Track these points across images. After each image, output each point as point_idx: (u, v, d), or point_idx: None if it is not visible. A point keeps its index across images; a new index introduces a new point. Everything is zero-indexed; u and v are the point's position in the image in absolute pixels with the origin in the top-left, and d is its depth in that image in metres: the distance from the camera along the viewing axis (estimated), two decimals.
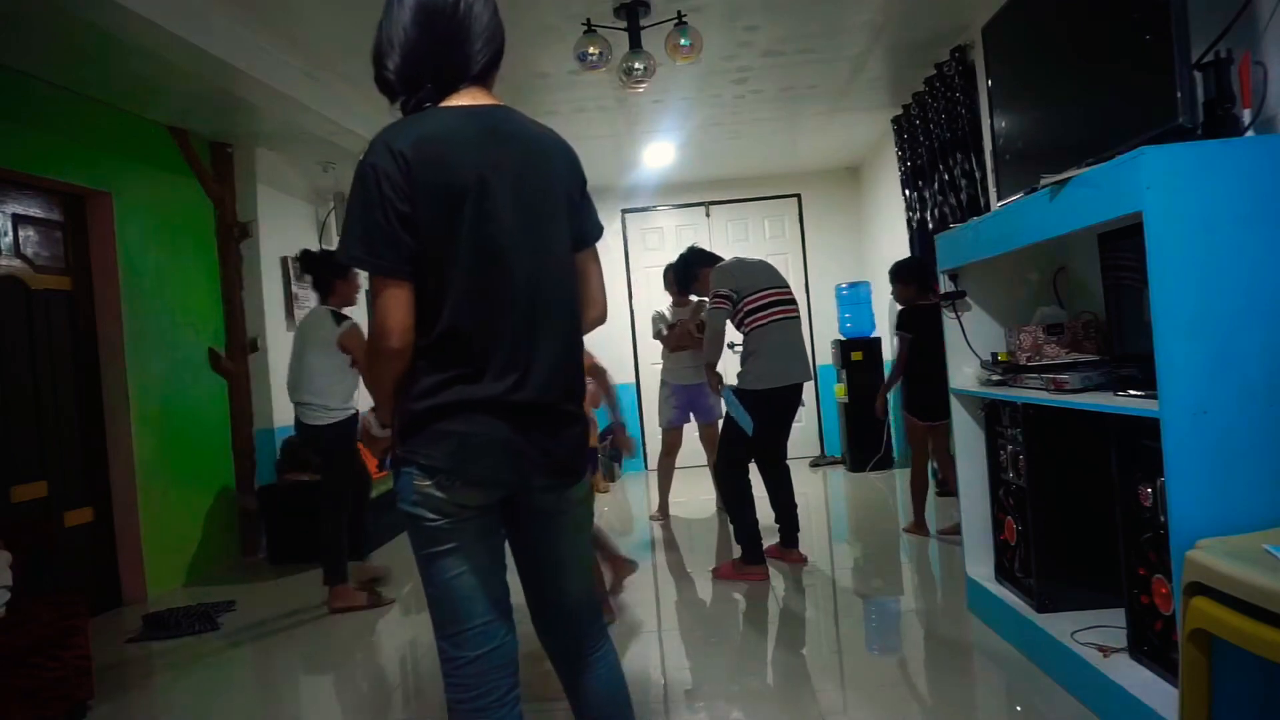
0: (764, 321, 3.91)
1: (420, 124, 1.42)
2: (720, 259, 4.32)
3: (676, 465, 5.42)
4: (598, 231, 1.63)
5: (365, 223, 1.37)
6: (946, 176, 4.68)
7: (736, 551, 4.05)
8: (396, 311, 1.38)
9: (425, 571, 1.52)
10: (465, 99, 1.48)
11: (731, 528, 4.10)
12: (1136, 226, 1.89)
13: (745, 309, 3.93)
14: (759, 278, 3.99)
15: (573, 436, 1.51)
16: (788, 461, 4.14)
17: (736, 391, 3.93)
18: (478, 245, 1.40)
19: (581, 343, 1.56)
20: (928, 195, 5.03)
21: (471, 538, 1.50)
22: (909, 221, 5.53)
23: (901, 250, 5.76)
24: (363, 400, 3.59)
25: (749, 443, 3.95)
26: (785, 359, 3.91)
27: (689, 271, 4.52)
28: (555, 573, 1.62)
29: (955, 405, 3.16)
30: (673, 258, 4.92)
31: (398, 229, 1.36)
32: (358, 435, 3.93)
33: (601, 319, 1.63)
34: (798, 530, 4.15)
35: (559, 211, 1.51)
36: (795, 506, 4.13)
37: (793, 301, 4.03)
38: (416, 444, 1.45)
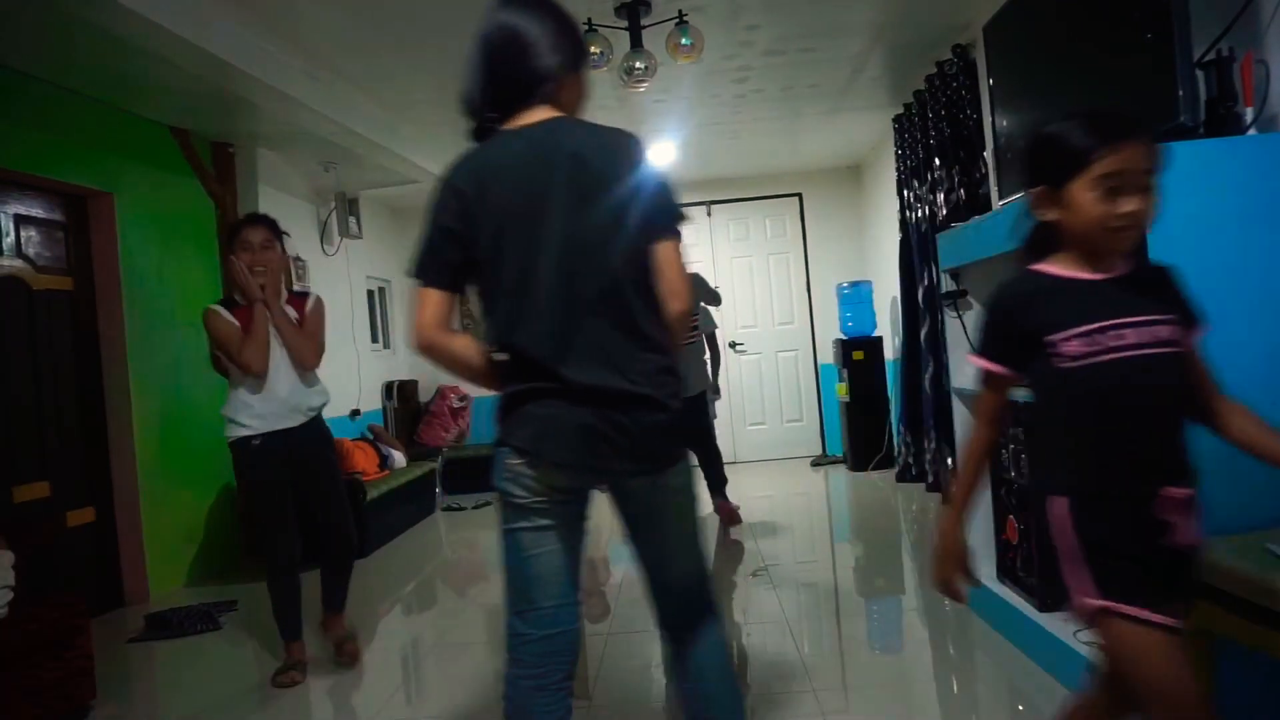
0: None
1: (476, 154, 1.64)
2: None
3: None
4: (666, 222, 1.60)
5: (420, 240, 1.61)
6: (948, 175, 4.68)
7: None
8: (421, 312, 1.58)
9: (506, 547, 1.62)
10: (527, 118, 1.62)
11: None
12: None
13: None
14: None
15: (652, 423, 1.56)
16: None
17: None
18: (524, 261, 1.55)
19: (652, 334, 1.58)
20: (928, 194, 5.02)
21: (556, 520, 1.59)
22: (910, 220, 5.53)
23: None
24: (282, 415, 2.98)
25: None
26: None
27: None
28: (660, 558, 1.69)
29: (956, 404, 3.16)
30: None
31: (441, 244, 1.58)
32: (263, 464, 2.95)
33: (685, 311, 1.62)
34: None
35: (610, 214, 1.56)
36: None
37: (696, 327, 4.79)
38: (509, 425, 1.58)
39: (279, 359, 2.99)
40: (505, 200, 1.56)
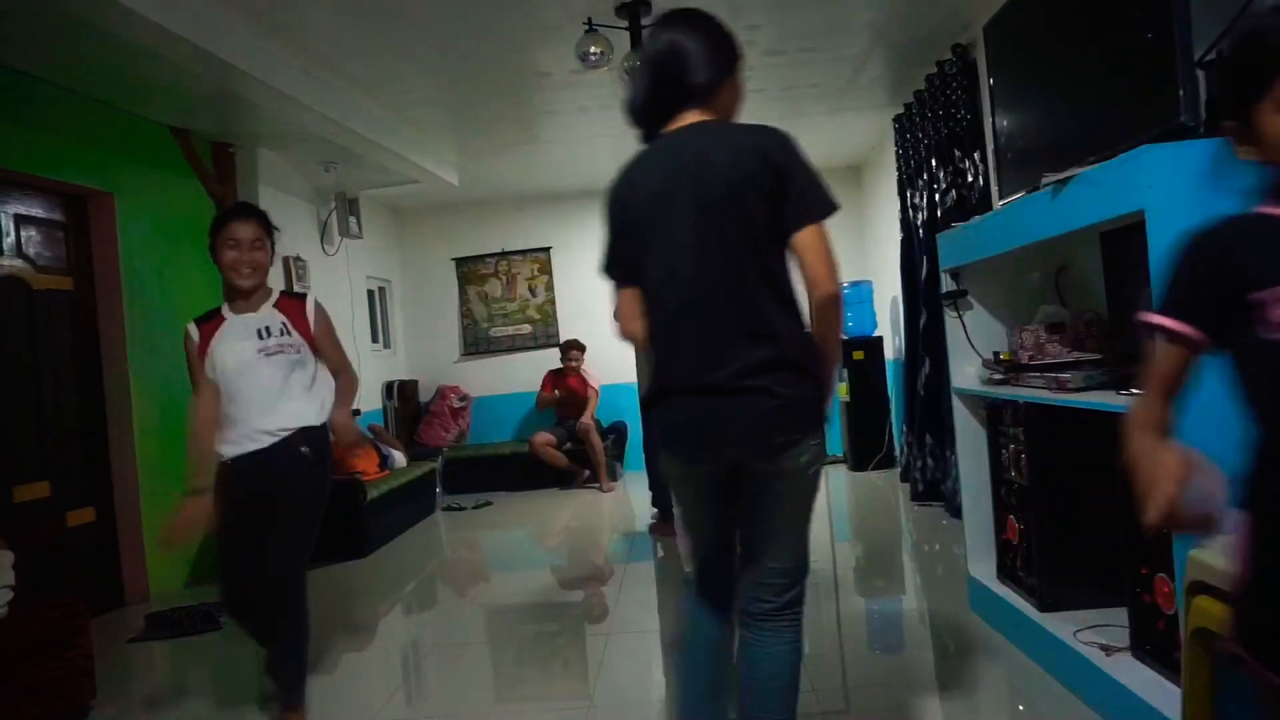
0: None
1: (634, 159, 1.80)
2: None
3: None
4: (802, 214, 1.65)
5: (603, 241, 1.84)
6: (948, 175, 4.68)
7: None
8: (620, 307, 1.82)
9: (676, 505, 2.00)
10: (680, 122, 1.76)
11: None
12: (1139, 225, 1.89)
13: None
14: None
15: (755, 412, 1.64)
16: None
17: None
18: (655, 261, 1.72)
19: (765, 327, 1.66)
20: (928, 194, 5.02)
21: (698, 494, 1.82)
22: (911, 220, 5.53)
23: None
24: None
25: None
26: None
27: None
28: (754, 538, 1.78)
29: (956, 404, 3.16)
30: None
31: (613, 244, 1.81)
32: (231, 487, 2.54)
33: (829, 298, 1.66)
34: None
35: (731, 211, 1.65)
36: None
37: None
38: (654, 418, 1.81)
39: (256, 374, 2.51)
40: (642, 203, 1.73)
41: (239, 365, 2.54)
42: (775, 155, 1.66)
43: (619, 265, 1.81)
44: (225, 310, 2.71)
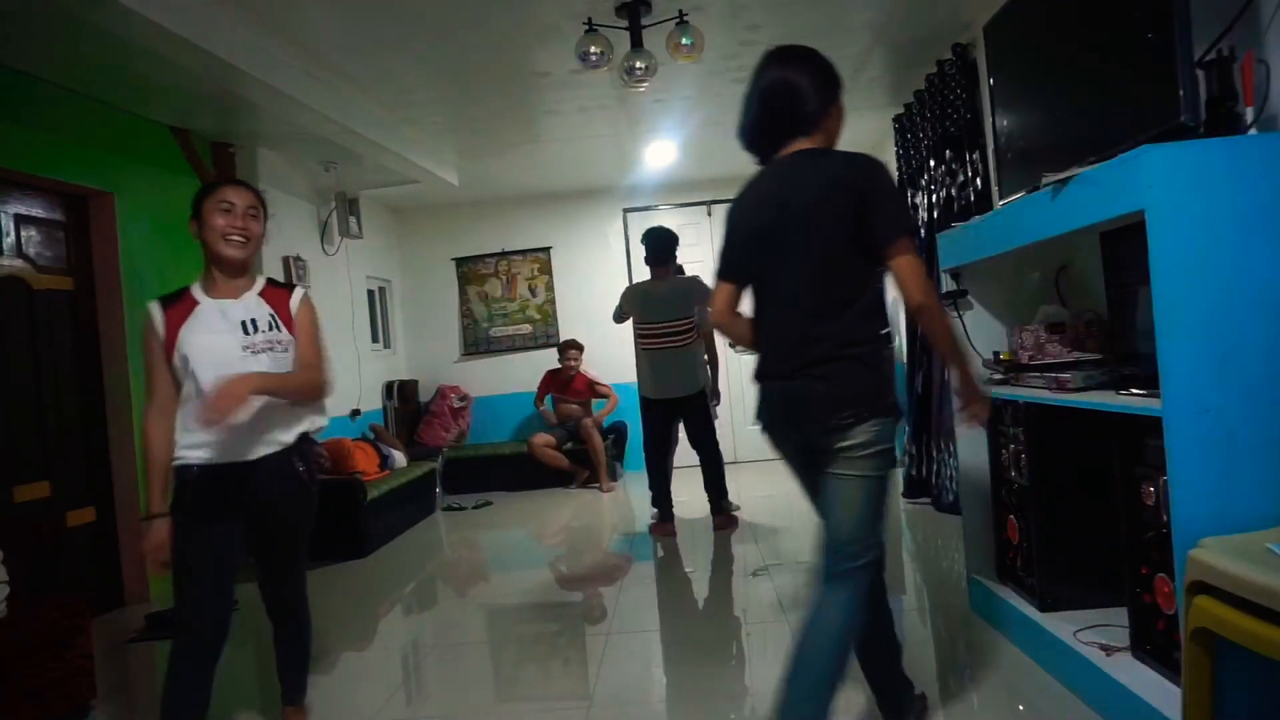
0: (640, 346, 4.94)
1: (748, 184, 2.14)
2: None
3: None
4: (884, 234, 1.89)
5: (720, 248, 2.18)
6: (948, 175, 4.68)
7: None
8: (714, 300, 2.15)
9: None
10: (790, 149, 2.04)
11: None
12: (1139, 225, 1.89)
13: (635, 330, 4.97)
14: (647, 312, 4.88)
15: (813, 397, 1.96)
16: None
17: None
18: (758, 269, 2.07)
19: (828, 329, 1.95)
20: (928, 194, 5.02)
21: (794, 465, 2.13)
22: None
23: None
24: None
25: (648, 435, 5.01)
26: (652, 379, 4.88)
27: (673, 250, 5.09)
28: (822, 507, 2.05)
29: (957, 404, 3.15)
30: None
31: (726, 249, 2.14)
32: (195, 500, 2.26)
33: (918, 309, 1.92)
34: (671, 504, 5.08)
35: (812, 231, 1.96)
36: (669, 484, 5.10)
37: (675, 334, 4.81)
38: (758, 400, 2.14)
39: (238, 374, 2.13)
40: (751, 220, 2.07)
41: (216, 361, 2.15)
42: (859, 182, 1.92)
43: (727, 267, 2.14)
44: (197, 292, 2.26)
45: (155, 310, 2.24)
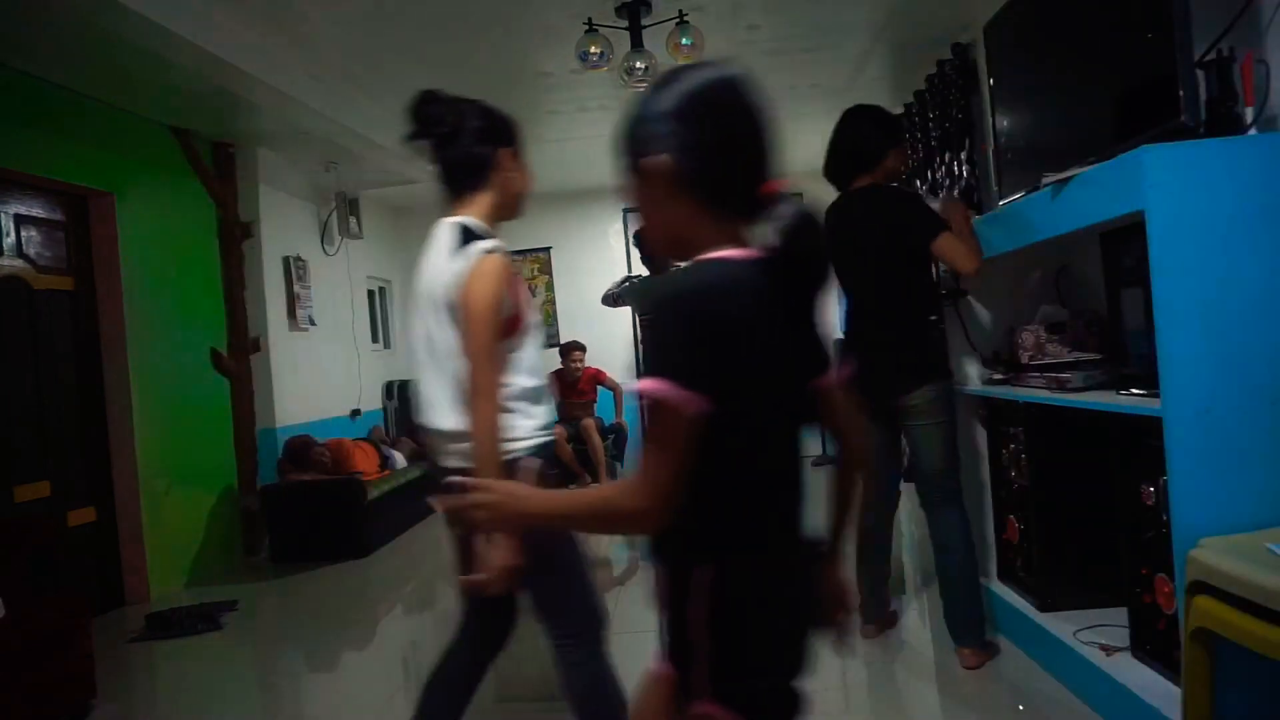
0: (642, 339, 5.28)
1: (829, 209, 2.77)
2: None
3: None
4: (919, 237, 2.63)
5: None
6: (948, 175, 4.68)
7: None
8: None
9: None
10: (857, 183, 2.81)
11: None
12: (1139, 225, 1.89)
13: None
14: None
15: (887, 366, 2.67)
16: None
17: None
18: (840, 284, 2.82)
19: (897, 318, 2.73)
20: (928, 194, 5.02)
21: (881, 427, 2.80)
22: None
23: None
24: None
25: None
26: None
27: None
28: (912, 453, 2.78)
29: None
30: None
31: None
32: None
33: (970, 270, 2.60)
34: None
35: (872, 249, 2.70)
36: None
37: None
38: None
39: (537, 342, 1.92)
40: (841, 241, 2.73)
41: (532, 326, 1.92)
42: (903, 216, 2.67)
43: None
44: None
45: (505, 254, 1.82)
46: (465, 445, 1.65)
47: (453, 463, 1.71)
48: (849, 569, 1.50)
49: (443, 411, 1.72)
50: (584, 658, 1.83)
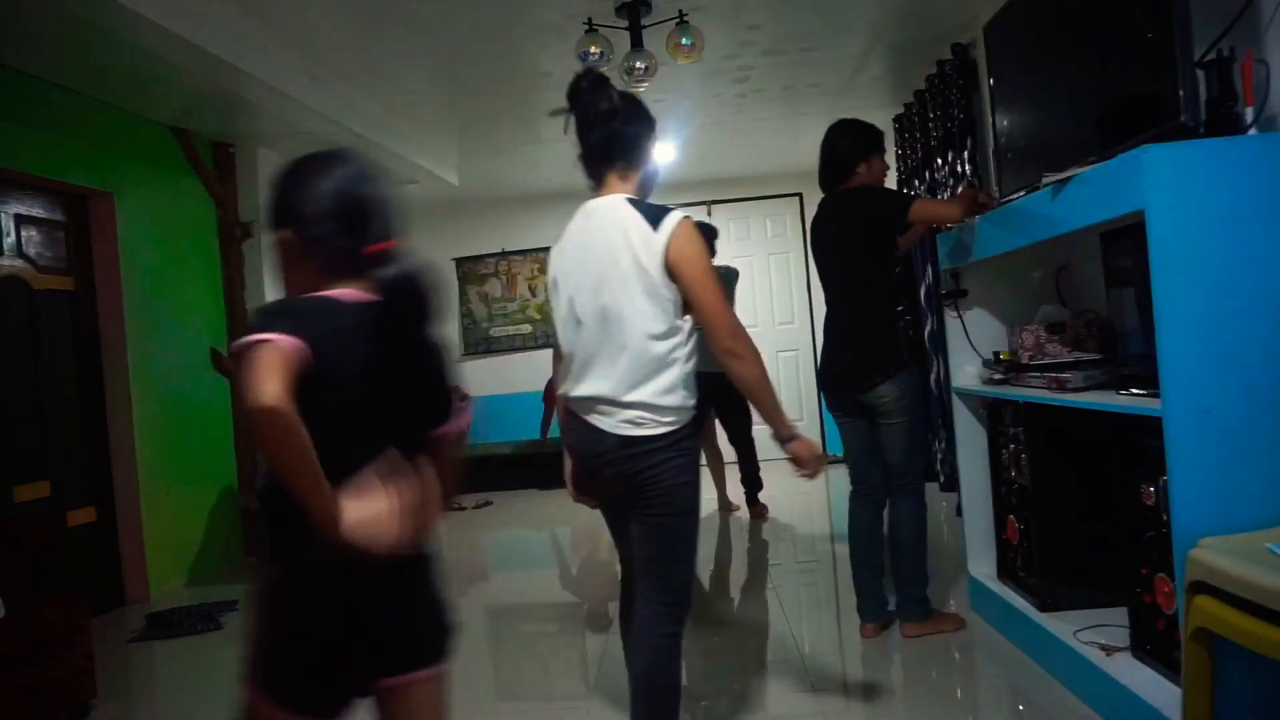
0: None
1: (818, 209, 3.02)
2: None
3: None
4: (893, 213, 2.81)
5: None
6: (948, 174, 4.68)
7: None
8: None
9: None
10: (844, 185, 2.93)
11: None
12: (1139, 225, 1.89)
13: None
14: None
15: (849, 361, 2.86)
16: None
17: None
18: (821, 273, 3.04)
19: (859, 311, 2.88)
20: (929, 194, 5.02)
21: (847, 418, 2.97)
22: None
23: None
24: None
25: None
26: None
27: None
28: (879, 443, 2.89)
29: (957, 404, 3.16)
30: None
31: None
32: None
33: (960, 219, 2.82)
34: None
35: (837, 246, 2.91)
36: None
37: None
38: None
39: None
40: (816, 237, 3.01)
41: None
42: (874, 210, 2.83)
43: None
44: None
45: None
46: (635, 414, 1.83)
47: (624, 431, 1.84)
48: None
49: (616, 382, 1.84)
50: (671, 630, 1.94)
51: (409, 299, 1.30)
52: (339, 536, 1.18)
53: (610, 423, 1.86)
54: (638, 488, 1.86)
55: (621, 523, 2.01)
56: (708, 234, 5.20)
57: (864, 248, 2.83)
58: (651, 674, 1.93)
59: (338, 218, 1.32)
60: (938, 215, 2.89)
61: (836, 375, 2.92)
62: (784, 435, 1.91)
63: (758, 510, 5.26)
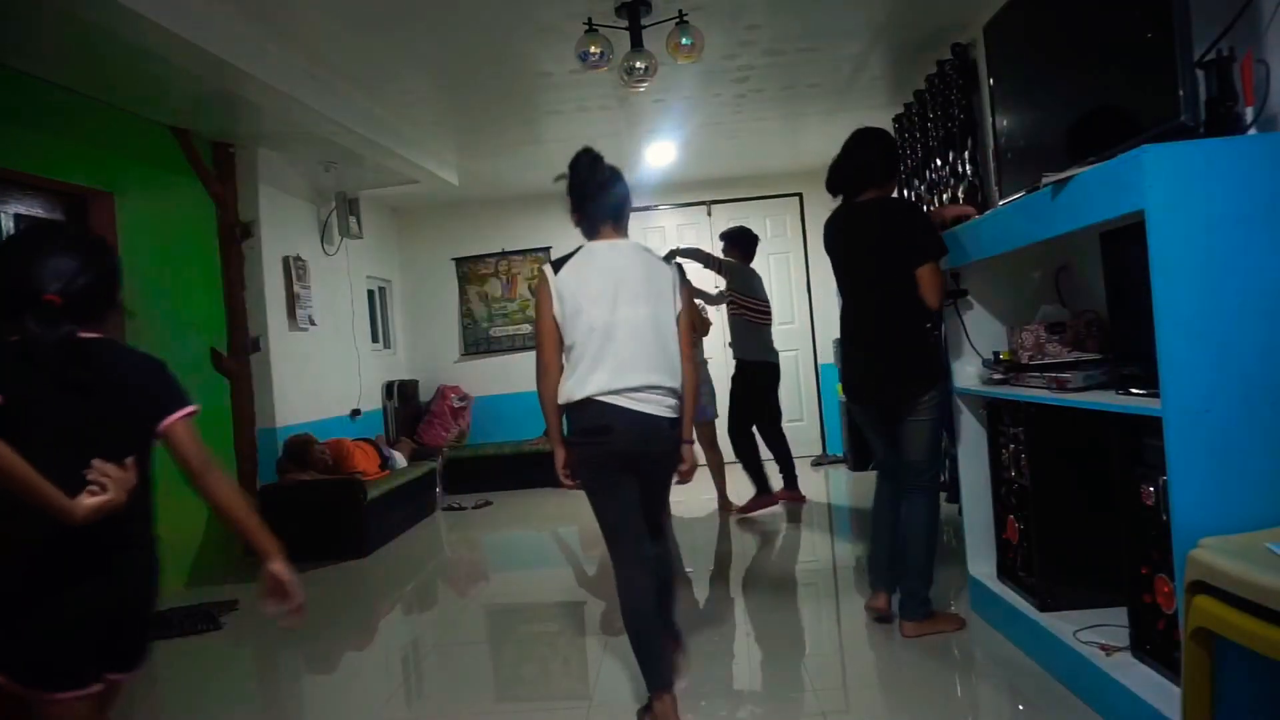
0: (731, 314, 5.47)
1: (834, 216, 3.09)
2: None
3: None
4: (912, 255, 2.81)
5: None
6: (948, 175, 4.68)
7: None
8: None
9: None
10: (862, 197, 2.97)
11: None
12: (1139, 225, 1.89)
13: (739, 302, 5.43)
14: (757, 287, 5.49)
15: (878, 370, 2.93)
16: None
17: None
18: (842, 283, 3.09)
19: (889, 322, 2.91)
20: (929, 194, 5.02)
21: (868, 418, 3.10)
22: None
23: None
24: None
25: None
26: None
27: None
28: (898, 443, 2.96)
29: (957, 405, 3.16)
30: None
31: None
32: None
33: (931, 308, 2.87)
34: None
35: (877, 257, 2.90)
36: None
37: (751, 310, 5.40)
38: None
39: None
40: (835, 247, 3.09)
41: None
42: (906, 232, 2.84)
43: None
44: None
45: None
46: (675, 401, 2.40)
47: (671, 414, 2.39)
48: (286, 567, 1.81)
49: (666, 374, 2.37)
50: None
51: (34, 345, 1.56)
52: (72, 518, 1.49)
53: (663, 408, 2.37)
54: (669, 454, 2.44)
55: (631, 484, 2.41)
56: (750, 240, 5.50)
57: (906, 263, 2.82)
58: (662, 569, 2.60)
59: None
60: (924, 290, 2.80)
61: (870, 387, 2.99)
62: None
63: (797, 495, 5.43)
